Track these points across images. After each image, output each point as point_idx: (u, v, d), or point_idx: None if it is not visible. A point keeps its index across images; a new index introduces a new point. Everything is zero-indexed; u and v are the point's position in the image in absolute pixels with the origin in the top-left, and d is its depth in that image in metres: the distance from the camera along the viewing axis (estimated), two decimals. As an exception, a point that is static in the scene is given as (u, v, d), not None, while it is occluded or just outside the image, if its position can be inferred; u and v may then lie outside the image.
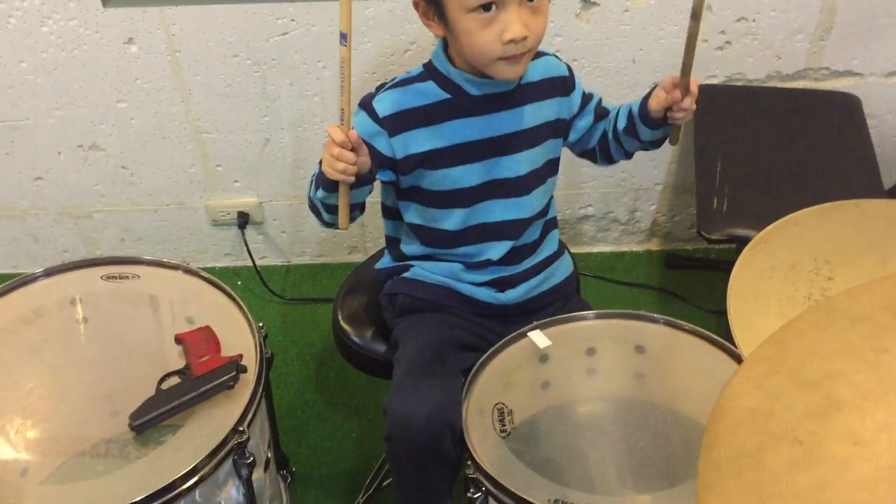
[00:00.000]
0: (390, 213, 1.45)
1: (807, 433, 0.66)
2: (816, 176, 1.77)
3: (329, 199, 1.27)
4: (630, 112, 1.38)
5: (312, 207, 1.34)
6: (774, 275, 1.15)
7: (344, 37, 1.13)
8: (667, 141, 1.40)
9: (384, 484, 1.77)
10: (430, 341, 1.37)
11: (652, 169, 2.17)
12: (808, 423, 0.67)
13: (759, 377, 0.72)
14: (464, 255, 1.41)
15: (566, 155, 2.08)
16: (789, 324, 0.75)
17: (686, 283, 2.21)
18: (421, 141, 1.31)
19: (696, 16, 1.21)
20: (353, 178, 1.21)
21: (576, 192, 2.21)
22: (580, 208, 2.25)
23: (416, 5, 1.27)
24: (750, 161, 1.83)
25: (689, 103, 1.30)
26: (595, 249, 2.34)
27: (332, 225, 1.32)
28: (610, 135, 1.43)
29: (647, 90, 1.36)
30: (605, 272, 2.27)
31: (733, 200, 1.71)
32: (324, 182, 1.24)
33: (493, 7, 1.19)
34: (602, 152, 1.47)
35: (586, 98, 1.43)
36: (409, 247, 1.45)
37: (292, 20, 1.88)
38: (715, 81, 2.00)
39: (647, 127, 1.36)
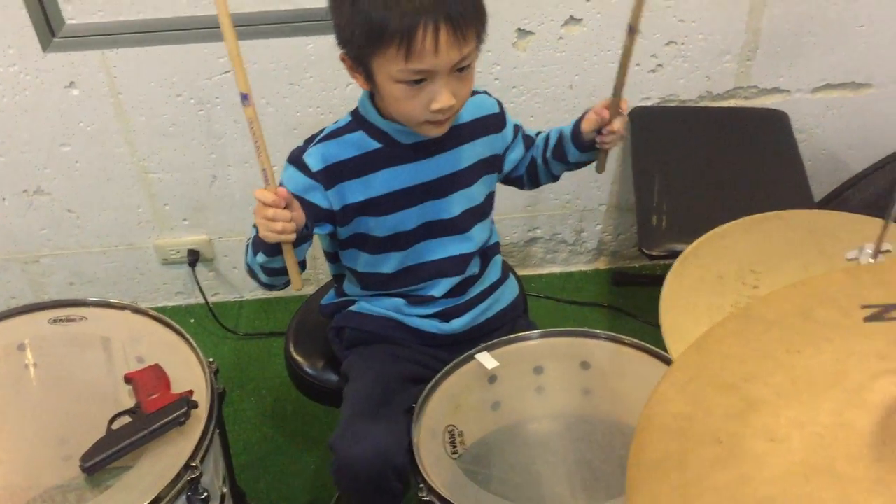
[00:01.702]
0: (331, 258, 1.47)
1: (726, 433, 0.69)
2: (749, 190, 1.84)
3: (271, 262, 1.26)
4: (561, 134, 1.41)
5: (251, 273, 1.33)
6: (703, 286, 1.20)
7: (245, 97, 1.12)
8: (594, 167, 1.42)
9: (344, 515, 1.78)
10: (376, 378, 1.38)
11: (595, 190, 2.22)
12: (728, 423, 0.70)
13: (683, 383, 0.75)
14: (405, 292, 1.43)
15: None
16: (710, 331, 0.79)
17: (634, 299, 2.26)
18: (356, 191, 1.31)
19: (632, 30, 1.23)
20: (293, 236, 1.19)
21: (523, 215, 2.25)
22: (528, 231, 2.29)
23: (343, 60, 1.25)
24: (686, 178, 1.89)
25: (619, 125, 1.33)
26: (545, 271, 2.38)
27: (272, 287, 1.33)
28: (539, 160, 1.46)
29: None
30: (556, 293, 2.32)
31: (671, 217, 1.76)
32: (263, 247, 1.23)
33: (423, 80, 1.18)
34: (530, 177, 1.50)
35: (516, 130, 1.46)
36: (352, 287, 1.47)
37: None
38: (649, 103, 2.06)
39: (577, 149, 1.38)
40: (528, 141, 1.47)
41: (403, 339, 1.44)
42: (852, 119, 2.12)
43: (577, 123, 1.38)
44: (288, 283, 1.34)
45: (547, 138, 1.45)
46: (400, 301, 1.43)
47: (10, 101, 1.92)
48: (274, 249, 1.22)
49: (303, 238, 1.25)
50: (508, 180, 1.51)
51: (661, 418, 0.72)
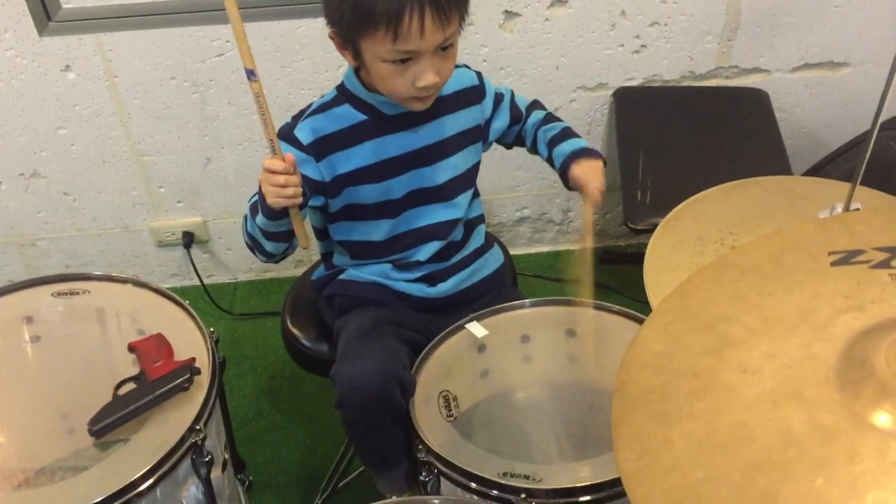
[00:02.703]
0: (320, 235, 1.51)
1: (703, 367, 0.75)
2: (731, 166, 1.89)
3: (277, 226, 1.32)
4: (551, 158, 1.49)
5: (253, 244, 1.39)
6: (684, 248, 1.26)
7: (251, 73, 1.18)
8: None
9: (339, 485, 1.82)
10: (367, 318, 1.44)
11: (581, 170, 2.27)
12: (705, 359, 0.76)
13: (664, 325, 0.81)
14: (393, 259, 1.48)
15: (501, 161, 2.19)
16: (689, 279, 0.85)
17: (621, 277, 2.30)
18: (344, 162, 1.37)
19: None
20: (301, 199, 1.27)
21: (511, 195, 2.30)
22: (516, 211, 2.34)
23: (331, 37, 1.31)
24: (669, 156, 1.95)
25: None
26: (533, 250, 2.43)
27: (272, 256, 1.39)
28: (528, 146, 1.54)
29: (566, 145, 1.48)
30: (544, 271, 2.36)
31: (655, 192, 1.82)
32: (270, 212, 1.29)
33: (409, 59, 1.24)
34: (521, 147, 1.58)
35: (498, 98, 1.50)
36: (341, 258, 1.52)
37: (227, 41, 1.94)
38: (633, 83, 2.11)
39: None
40: (516, 113, 1.52)
41: (391, 302, 1.48)
42: (830, 97, 2.18)
43: (564, 170, 1.46)
44: (286, 253, 1.39)
45: (535, 137, 1.52)
46: (387, 266, 1.48)
47: (6, 86, 1.95)
48: (280, 213, 1.29)
49: (303, 205, 1.31)
50: (509, 145, 1.58)
51: (644, 357, 0.78)
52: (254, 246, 1.40)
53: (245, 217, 1.38)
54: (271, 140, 1.22)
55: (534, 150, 1.54)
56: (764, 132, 2.00)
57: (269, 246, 1.37)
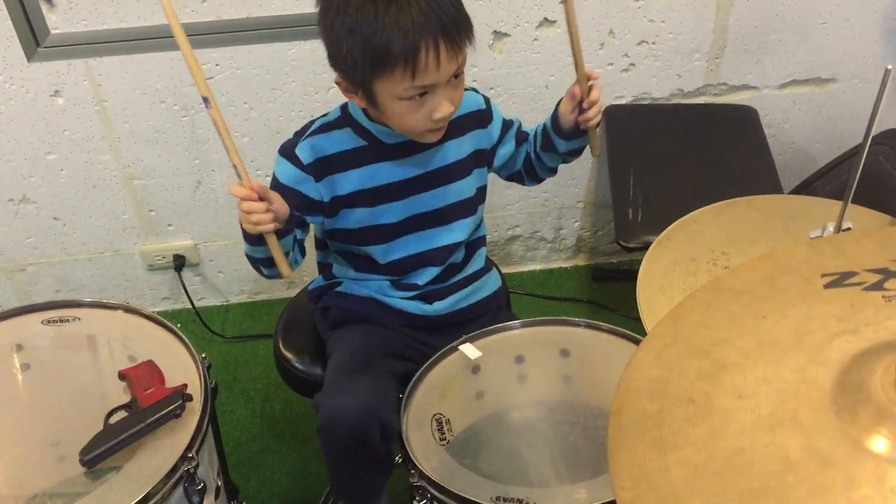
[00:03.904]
0: (319, 245, 1.51)
1: (699, 393, 0.74)
2: (721, 183, 1.90)
3: (257, 252, 1.32)
4: (544, 127, 1.44)
5: (251, 263, 1.39)
6: (677, 268, 1.26)
7: (206, 101, 1.17)
8: (588, 151, 1.41)
9: (334, 509, 1.81)
10: (359, 346, 1.43)
11: (573, 188, 2.28)
12: (700, 384, 0.75)
13: (658, 350, 0.80)
14: (391, 279, 1.47)
15: (492, 179, 2.18)
16: (683, 302, 0.84)
17: (613, 294, 2.32)
18: (344, 184, 1.37)
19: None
20: (272, 226, 1.24)
21: (503, 213, 2.30)
22: (508, 229, 2.34)
23: (338, 83, 1.29)
24: (660, 173, 1.95)
25: (595, 95, 1.33)
26: (525, 268, 2.43)
27: (272, 277, 1.38)
28: (532, 155, 1.49)
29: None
30: (537, 289, 2.37)
31: (647, 210, 1.82)
32: (248, 237, 1.29)
33: (425, 93, 1.23)
34: (528, 173, 1.53)
35: (506, 125, 1.49)
36: (341, 269, 1.51)
37: (217, 64, 1.94)
38: (623, 101, 2.12)
39: (561, 138, 1.40)
40: (522, 136, 1.51)
41: (387, 319, 1.48)
42: (819, 113, 2.20)
43: (555, 112, 1.40)
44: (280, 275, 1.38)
45: (535, 134, 1.49)
46: (385, 284, 1.47)
47: (-5, 111, 1.95)
48: (257, 239, 1.28)
49: (285, 231, 1.29)
50: (510, 177, 1.55)
51: (639, 383, 0.77)
52: (253, 268, 1.40)
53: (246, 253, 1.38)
54: (235, 166, 1.21)
55: (536, 155, 1.48)
56: (753, 148, 2.01)
57: (264, 270, 1.37)
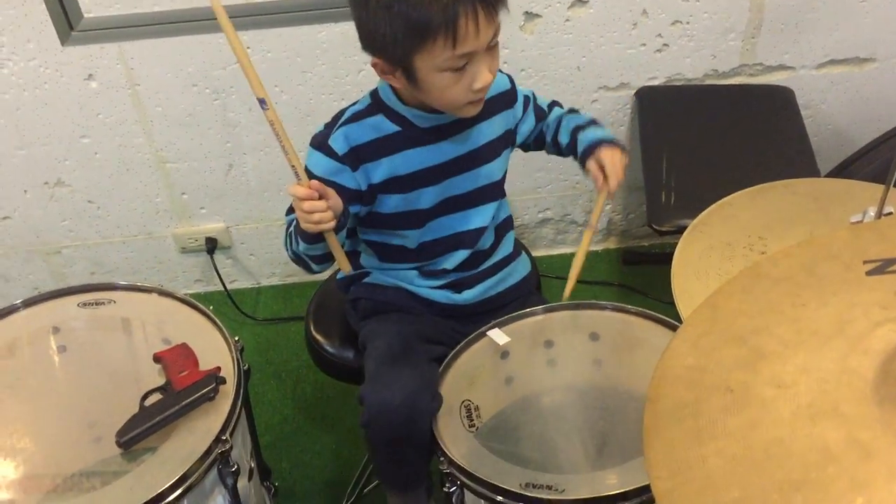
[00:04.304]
0: (348, 233, 1.49)
1: (736, 382, 0.73)
2: (756, 165, 1.87)
3: (313, 250, 1.32)
4: (570, 144, 1.47)
5: (298, 261, 1.39)
6: (713, 253, 1.24)
7: (263, 102, 1.18)
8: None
9: (365, 491, 1.82)
10: (396, 335, 1.43)
11: (604, 170, 2.25)
12: (738, 373, 0.74)
13: (695, 338, 0.79)
14: (419, 266, 1.47)
15: (522, 162, 2.17)
16: (720, 289, 0.83)
17: (644, 277, 2.29)
18: (378, 172, 1.36)
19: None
20: (332, 224, 1.25)
21: (533, 196, 2.29)
22: (538, 213, 2.33)
23: (374, 65, 1.28)
24: (693, 156, 1.93)
25: (613, 183, 1.41)
26: (556, 252, 2.42)
27: (321, 272, 1.40)
28: (549, 139, 1.51)
29: (589, 130, 1.46)
30: (567, 272, 2.34)
31: (680, 193, 1.79)
32: (305, 236, 1.29)
33: (465, 63, 1.23)
34: (537, 147, 1.56)
35: (526, 101, 1.50)
36: (368, 259, 1.51)
37: (248, 48, 1.94)
38: (656, 83, 2.09)
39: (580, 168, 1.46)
40: (540, 112, 1.51)
41: (416, 308, 1.48)
42: (857, 94, 2.15)
43: (584, 158, 1.44)
44: (330, 266, 1.39)
45: (558, 122, 1.50)
46: (412, 273, 1.47)
47: (30, 95, 1.96)
48: (315, 238, 1.28)
49: (342, 225, 1.30)
50: (526, 148, 1.56)
51: (675, 370, 0.76)
52: (299, 263, 1.40)
53: (288, 235, 1.38)
54: (293, 166, 1.22)
55: (554, 142, 1.51)
56: (789, 130, 1.98)
57: (315, 267, 1.38)
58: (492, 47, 1.25)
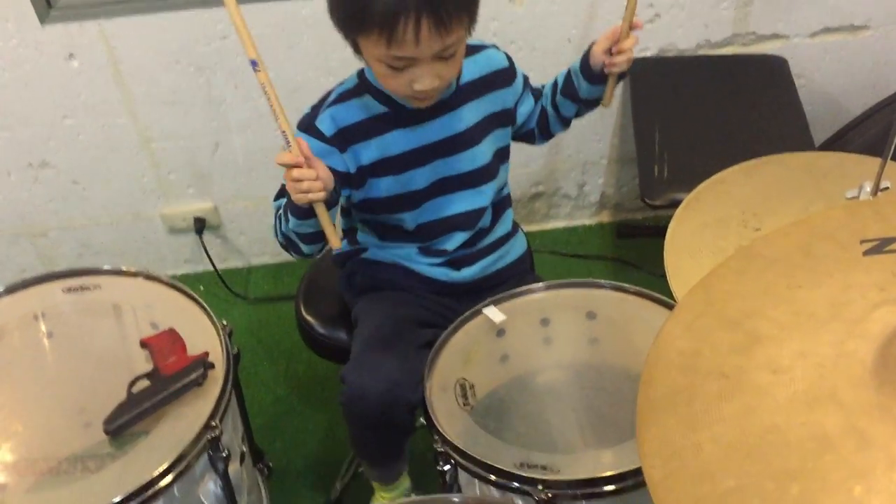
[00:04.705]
0: (344, 211, 1.48)
1: (731, 367, 0.72)
2: (750, 137, 1.85)
3: (303, 227, 1.28)
4: (569, 71, 1.41)
5: (288, 243, 1.36)
6: (706, 230, 1.22)
7: (255, 63, 1.14)
8: (600, 103, 1.41)
9: (359, 469, 1.81)
10: (387, 317, 1.42)
11: (596, 143, 2.23)
12: (733, 357, 0.72)
13: (689, 321, 0.77)
14: (419, 245, 1.45)
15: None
16: (713, 270, 0.81)
17: (638, 251, 2.28)
18: (367, 153, 1.33)
19: None
20: (322, 194, 1.20)
21: (525, 171, 2.26)
22: (530, 187, 2.31)
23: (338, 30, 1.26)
24: (687, 128, 1.90)
25: (630, 44, 1.31)
26: (548, 226, 2.40)
27: (309, 256, 1.36)
28: (549, 107, 1.46)
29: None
30: (560, 247, 2.34)
31: (673, 166, 1.77)
32: (295, 210, 1.25)
33: (405, 65, 1.19)
34: (541, 130, 1.50)
35: (525, 81, 1.46)
36: (366, 237, 1.49)
37: (231, 24, 1.90)
38: (648, 54, 2.06)
39: (586, 80, 1.37)
40: (536, 92, 1.48)
41: (413, 286, 1.46)
42: (851, 62, 2.12)
43: (586, 55, 1.37)
44: (322, 250, 1.36)
45: (555, 82, 1.45)
46: (412, 250, 1.45)
47: (10, 76, 1.92)
48: (306, 212, 1.24)
49: (333, 201, 1.26)
50: (520, 137, 1.51)
51: (669, 355, 0.75)
52: (288, 246, 1.37)
53: (277, 218, 1.35)
54: (283, 132, 1.17)
55: (554, 108, 1.46)
56: (783, 101, 1.95)
57: (304, 248, 1.34)
58: (445, 57, 1.20)
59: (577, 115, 1.47)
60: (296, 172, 1.18)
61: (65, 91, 1.96)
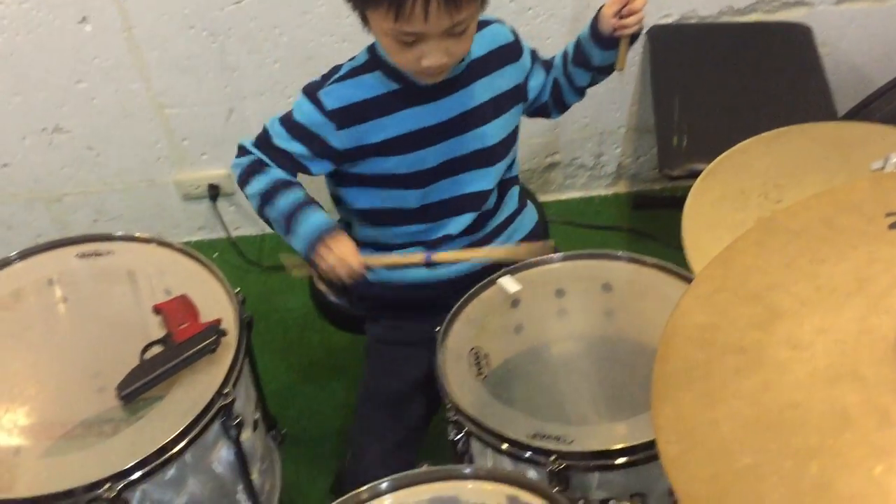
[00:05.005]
0: (337, 201, 1.45)
1: (750, 342, 0.70)
2: (772, 106, 1.81)
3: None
4: (578, 40, 1.37)
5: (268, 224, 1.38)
6: (725, 203, 1.19)
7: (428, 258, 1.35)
8: (615, 68, 1.37)
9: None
10: (393, 385, 1.44)
11: (614, 112, 2.20)
12: (752, 332, 0.71)
13: (707, 294, 0.76)
14: (421, 233, 1.41)
15: (528, 104, 2.12)
16: (733, 243, 0.79)
17: (654, 222, 2.25)
18: (375, 132, 1.31)
19: None
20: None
21: (541, 140, 2.24)
22: (546, 157, 2.28)
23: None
24: (707, 97, 1.87)
25: (640, 4, 1.27)
26: (564, 196, 2.37)
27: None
28: (562, 78, 1.43)
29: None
30: (576, 217, 2.31)
31: (692, 136, 1.74)
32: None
33: (414, 40, 1.17)
34: (555, 102, 1.46)
35: (534, 55, 1.43)
36: (363, 230, 1.45)
37: (244, -11, 1.88)
38: (668, 21, 2.02)
39: (597, 46, 1.34)
40: (547, 64, 1.44)
41: (427, 296, 1.43)
42: (877, 30, 2.07)
43: (595, 19, 1.33)
44: None
45: (565, 52, 1.42)
46: (421, 271, 1.41)
47: (23, 39, 1.91)
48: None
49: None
50: (535, 111, 1.48)
51: (686, 329, 0.73)
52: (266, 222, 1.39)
53: (254, 199, 1.36)
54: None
55: (567, 78, 1.42)
56: (807, 70, 1.91)
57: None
58: (456, 34, 1.18)
59: (592, 83, 1.43)
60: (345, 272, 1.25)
61: (78, 55, 1.95)
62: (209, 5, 1.89)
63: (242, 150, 1.38)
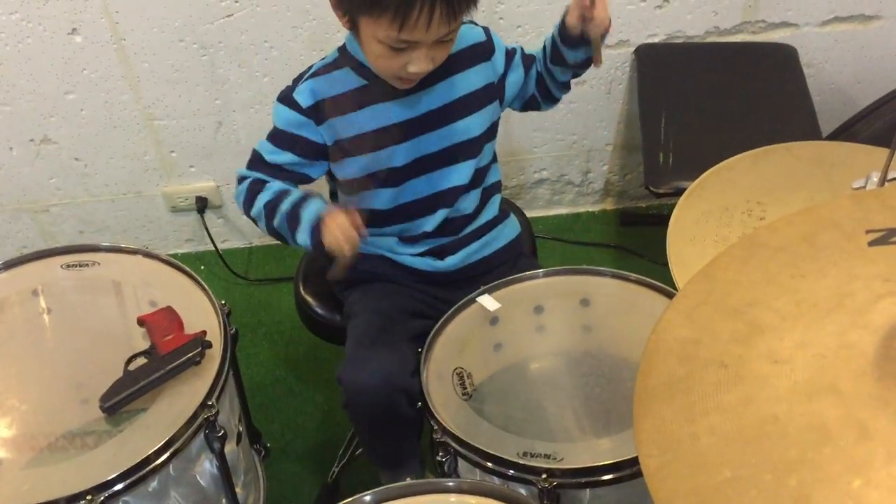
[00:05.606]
0: (333, 197, 1.47)
1: (731, 356, 0.71)
2: (757, 126, 1.83)
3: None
4: (551, 40, 1.38)
5: (278, 238, 1.35)
6: (710, 219, 1.21)
7: None
8: (592, 64, 1.37)
9: (357, 453, 1.81)
10: (377, 311, 1.41)
11: (601, 130, 2.21)
12: (733, 347, 0.72)
13: (689, 309, 0.76)
14: (399, 231, 1.43)
15: (519, 122, 2.13)
16: (716, 258, 0.80)
17: (641, 239, 2.27)
18: (346, 127, 1.32)
19: None
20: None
21: (529, 157, 2.25)
22: (534, 173, 2.29)
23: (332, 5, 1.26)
24: (693, 116, 1.89)
25: (600, 8, 1.27)
26: (552, 212, 2.39)
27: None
28: (544, 73, 1.43)
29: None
30: (563, 234, 2.32)
31: (678, 154, 1.76)
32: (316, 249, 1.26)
33: (406, 47, 1.20)
34: (543, 95, 1.47)
35: (510, 54, 1.43)
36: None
37: (236, 2, 1.89)
38: (656, 40, 2.04)
39: (567, 47, 1.34)
40: (529, 60, 1.45)
41: (399, 276, 1.45)
42: (861, 52, 2.10)
43: (562, 23, 1.34)
44: None
45: (543, 48, 1.43)
46: (392, 240, 1.44)
47: (12, 49, 1.91)
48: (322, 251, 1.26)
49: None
50: (525, 104, 1.49)
51: (668, 343, 0.74)
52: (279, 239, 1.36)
53: (261, 218, 1.35)
54: None
55: (549, 74, 1.43)
56: (792, 90, 1.93)
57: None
58: (443, 41, 1.22)
59: (575, 76, 1.44)
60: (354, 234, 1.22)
61: (67, 66, 1.95)
62: (200, 18, 1.90)
63: (241, 179, 1.38)
